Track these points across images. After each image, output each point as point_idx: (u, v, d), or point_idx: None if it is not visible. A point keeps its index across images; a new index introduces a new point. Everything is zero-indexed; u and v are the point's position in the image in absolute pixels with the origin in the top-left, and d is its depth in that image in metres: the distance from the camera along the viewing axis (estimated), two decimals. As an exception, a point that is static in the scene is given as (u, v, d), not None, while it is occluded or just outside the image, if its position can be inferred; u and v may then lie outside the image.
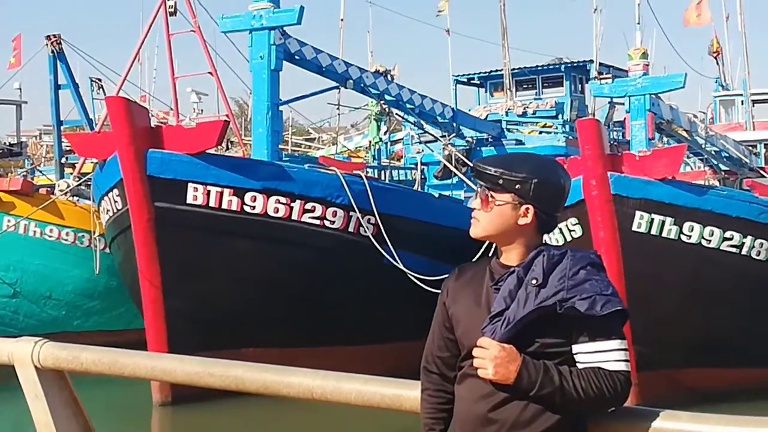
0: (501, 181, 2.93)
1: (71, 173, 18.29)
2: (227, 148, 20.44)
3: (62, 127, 19.08)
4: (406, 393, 3.24)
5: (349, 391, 3.33)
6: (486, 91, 23.03)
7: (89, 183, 14.89)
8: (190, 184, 12.13)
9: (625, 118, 15.82)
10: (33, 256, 15.66)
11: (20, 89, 27.52)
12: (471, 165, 17.38)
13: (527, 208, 2.94)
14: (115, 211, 12.70)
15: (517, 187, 2.91)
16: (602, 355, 2.82)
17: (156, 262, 12.15)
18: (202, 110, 27.21)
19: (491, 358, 2.83)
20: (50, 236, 15.66)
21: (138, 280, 12.35)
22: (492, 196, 2.95)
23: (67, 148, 20.58)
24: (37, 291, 15.81)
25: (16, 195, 15.57)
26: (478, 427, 2.92)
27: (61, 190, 16.07)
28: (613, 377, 2.81)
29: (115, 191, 12.47)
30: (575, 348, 2.86)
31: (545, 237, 3.08)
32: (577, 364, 2.86)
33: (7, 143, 27.41)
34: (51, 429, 3.81)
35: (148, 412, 12.27)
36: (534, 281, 2.87)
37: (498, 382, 2.84)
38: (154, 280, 12.21)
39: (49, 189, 16.87)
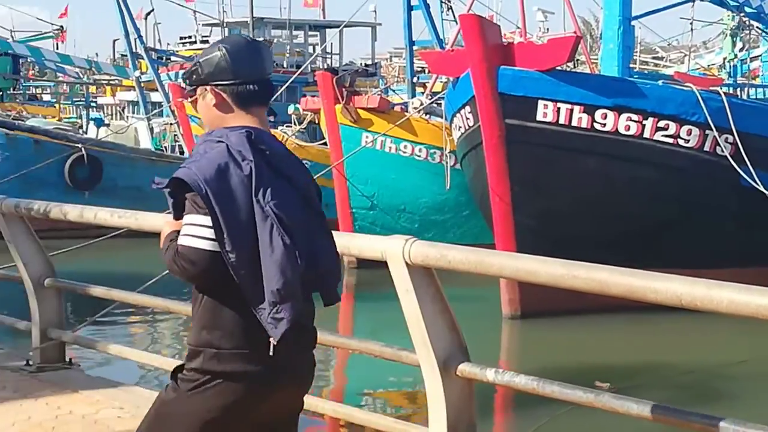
0: (188, 82, 3.05)
1: (422, 92, 18.90)
2: (574, 67, 20.20)
3: (413, 48, 19.70)
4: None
5: (721, 299, 3.16)
6: None
7: (440, 101, 15.32)
8: (540, 101, 12.17)
9: None
10: (389, 170, 16.41)
11: (375, 11, 28.70)
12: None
13: (208, 90, 2.98)
14: (467, 128, 12.99)
15: (193, 78, 3.01)
16: (182, 230, 2.86)
17: (506, 178, 12.35)
18: (548, 29, 26.99)
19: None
20: (404, 152, 16.30)
21: (488, 196, 12.62)
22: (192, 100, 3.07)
23: (418, 68, 21.26)
24: (393, 204, 16.57)
25: (374, 112, 16.34)
26: None
27: (414, 108, 16.64)
28: (176, 251, 2.84)
29: (467, 108, 12.74)
30: None
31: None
32: None
33: (363, 64, 28.76)
34: (419, 320, 4.01)
35: (498, 325, 12.61)
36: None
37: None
38: (504, 195, 12.42)
39: (402, 107, 17.52)
